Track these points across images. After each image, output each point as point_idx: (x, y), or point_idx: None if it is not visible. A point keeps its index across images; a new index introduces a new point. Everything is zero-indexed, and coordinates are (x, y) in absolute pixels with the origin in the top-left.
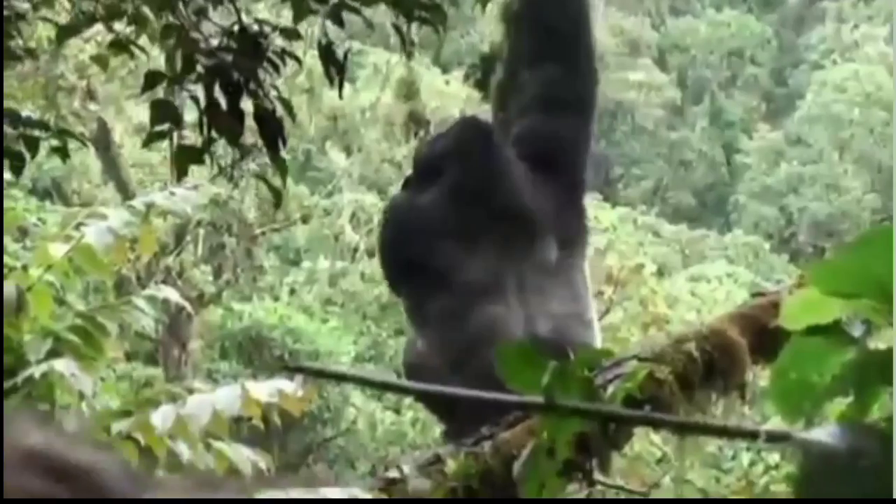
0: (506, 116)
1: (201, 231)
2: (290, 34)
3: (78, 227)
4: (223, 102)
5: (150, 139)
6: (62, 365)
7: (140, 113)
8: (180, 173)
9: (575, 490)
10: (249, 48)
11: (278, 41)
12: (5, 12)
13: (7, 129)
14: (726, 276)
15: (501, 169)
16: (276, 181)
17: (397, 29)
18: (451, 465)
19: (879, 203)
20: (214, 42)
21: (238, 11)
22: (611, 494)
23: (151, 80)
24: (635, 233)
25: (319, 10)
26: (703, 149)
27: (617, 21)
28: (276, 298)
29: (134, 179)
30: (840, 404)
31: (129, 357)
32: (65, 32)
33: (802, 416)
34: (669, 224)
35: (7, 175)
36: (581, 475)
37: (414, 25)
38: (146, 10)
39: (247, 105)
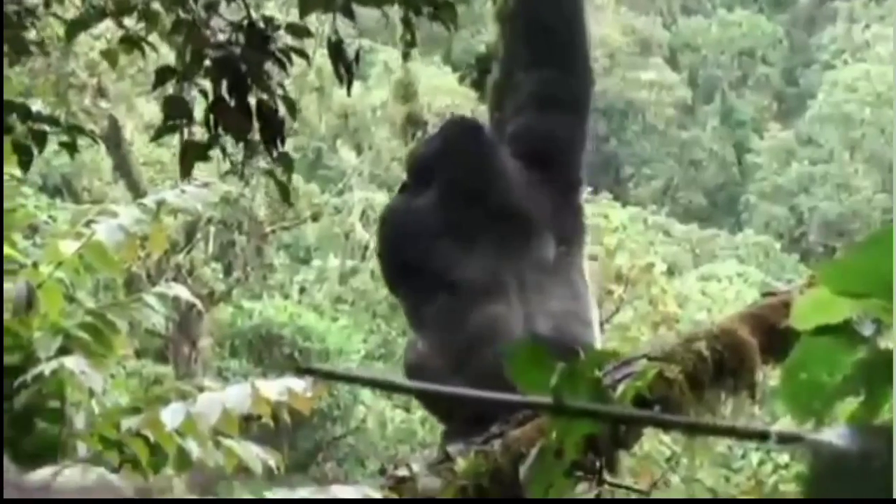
0: (501, 116)
1: (212, 229)
2: (298, 30)
3: (88, 224)
4: (231, 99)
5: (159, 134)
6: (72, 362)
7: (151, 110)
8: (186, 169)
9: (584, 490)
10: (257, 44)
11: (286, 38)
12: (15, 7)
13: (16, 124)
14: (737, 275)
15: (493, 166)
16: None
17: (407, 24)
18: (460, 464)
19: (890, 202)
20: (223, 37)
21: (247, 7)
22: (620, 494)
23: (162, 76)
24: (646, 232)
25: (328, 6)
26: (714, 148)
27: (628, 20)
28: (287, 296)
29: (144, 177)
30: (850, 404)
31: (139, 354)
32: (74, 28)
33: (813, 416)
34: (680, 223)
35: (16, 171)
36: (590, 475)
37: (424, 23)
38: (157, 5)
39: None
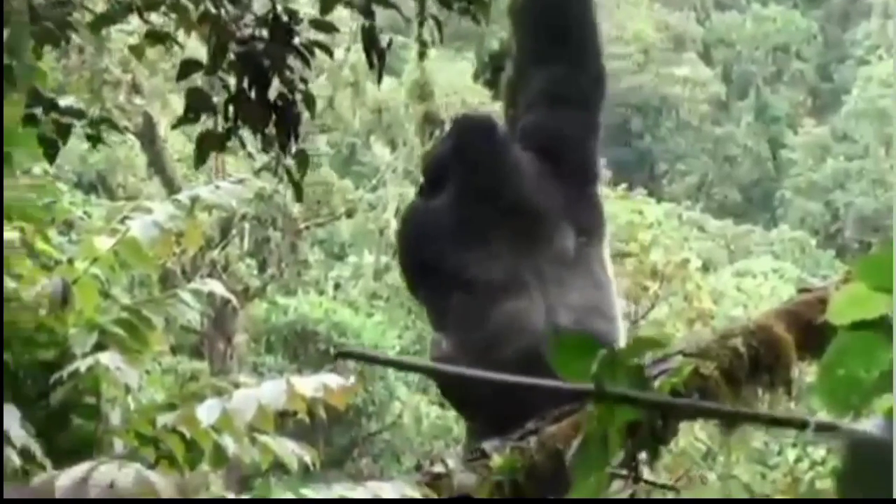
0: (515, 113)
1: (246, 225)
2: (323, 26)
3: (123, 220)
4: (251, 92)
5: (179, 123)
6: (108, 358)
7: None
8: (201, 158)
9: (619, 489)
10: (280, 38)
11: (310, 33)
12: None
13: (41, 116)
14: (772, 271)
15: (505, 162)
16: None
17: (436, 20)
18: (496, 460)
19: None
20: (248, 31)
21: (273, 1)
22: (656, 492)
23: (186, 68)
24: (680, 228)
25: (350, 3)
26: (749, 144)
27: (662, 16)
28: (321, 292)
29: (179, 173)
30: (888, 400)
31: (175, 351)
32: (100, 22)
33: (850, 412)
34: (715, 219)
35: (49, 167)
36: (627, 472)
37: (455, 18)
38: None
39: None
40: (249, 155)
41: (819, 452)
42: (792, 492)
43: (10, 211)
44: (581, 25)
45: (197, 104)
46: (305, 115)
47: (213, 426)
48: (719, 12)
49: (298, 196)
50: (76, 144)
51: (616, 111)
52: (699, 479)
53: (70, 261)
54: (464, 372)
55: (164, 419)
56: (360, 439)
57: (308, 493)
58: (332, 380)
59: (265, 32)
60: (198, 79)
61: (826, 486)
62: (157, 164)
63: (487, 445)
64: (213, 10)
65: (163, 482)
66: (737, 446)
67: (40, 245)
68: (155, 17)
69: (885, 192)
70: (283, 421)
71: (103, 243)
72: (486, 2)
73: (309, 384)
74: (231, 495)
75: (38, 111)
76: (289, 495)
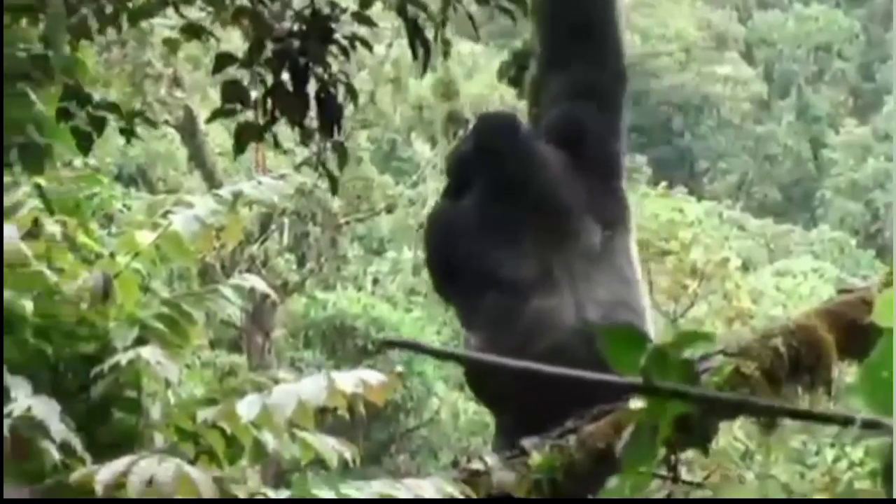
0: (539, 111)
1: (286, 220)
2: (363, 19)
3: (165, 214)
4: (289, 84)
5: (215, 116)
6: (148, 352)
7: None
8: (240, 148)
9: (657, 487)
10: (320, 31)
11: (352, 26)
12: None
13: (75, 110)
14: (811, 271)
15: (530, 158)
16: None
17: (470, 17)
18: (535, 458)
19: None
20: (286, 25)
21: None
22: (695, 493)
23: (222, 62)
24: (720, 227)
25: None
26: (790, 143)
27: (704, 14)
28: (360, 288)
29: (219, 166)
30: None
31: (213, 345)
32: (137, 15)
33: (891, 414)
34: (755, 218)
35: (88, 160)
36: (667, 471)
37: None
38: None
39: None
40: (284, 152)
41: (857, 453)
42: (830, 492)
43: (52, 204)
44: (603, 24)
45: (233, 97)
46: (346, 110)
47: (252, 422)
48: (761, 11)
49: (334, 189)
50: (116, 137)
51: (658, 109)
52: (737, 478)
53: (112, 255)
54: (506, 363)
55: (204, 414)
56: (397, 435)
57: (347, 490)
58: (372, 376)
59: (303, 27)
60: (237, 73)
61: (864, 485)
62: (198, 157)
63: (527, 443)
64: (249, 5)
65: (202, 477)
66: (775, 446)
67: (82, 238)
68: (193, 12)
69: None
70: (321, 417)
71: (145, 237)
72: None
73: (349, 380)
74: (269, 490)
75: (73, 105)
76: (327, 491)
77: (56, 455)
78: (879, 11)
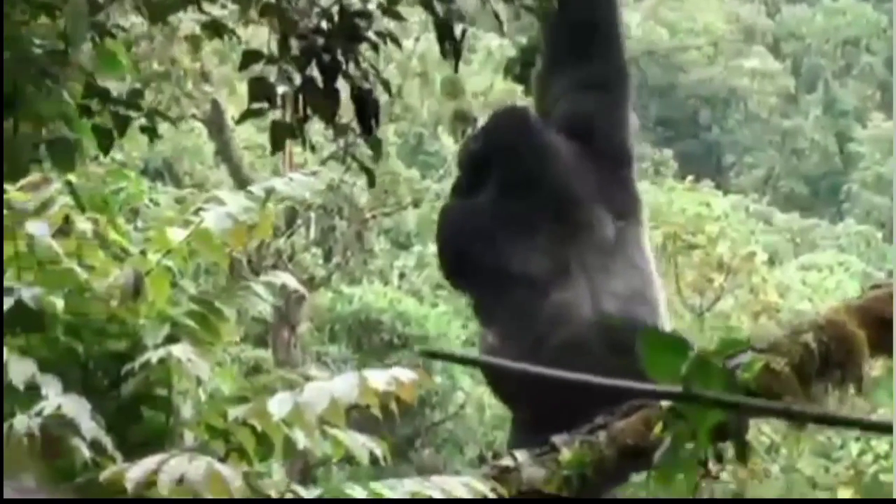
0: (545, 107)
1: (313, 214)
2: (392, 15)
3: (197, 212)
4: (319, 81)
5: (245, 116)
6: (179, 350)
7: None
8: (277, 146)
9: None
10: (348, 28)
11: (382, 22)
12: None
13: (96, 107)
14: (838, 265)
15: (545, 153)
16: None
17: (496, 15)
18: (565, 454)
19: None
20: (313, 21)
21: None
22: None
23: (248, 59)
24: (747, 221)
25: None
26: (816, 137)
27: (732, 8)
28: (386, 282)
29: (245, 161)
30: None
31: (240, 339)
32: (159, 11)
33: None
34: (781, 212)
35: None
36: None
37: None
38: None
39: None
40: (312, 148)
41: (883, 446)
42: (855, 485)
43: (82, 200)
44: (606, 22)
45: (260, 94)
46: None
47: (284, 419)
48: (790, 5)
49: (371, 182)
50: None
51: (685, 103)
52: (763, 472)
53: (143, 252)
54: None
55: (235, 412)
56: (423, 429)
57: (380, 488)
58: (404, 374)
59: (330, 24)
60: (264, 70)
61: (889, 479)
62: (225, 152)
63: (557, 439)
64: (274, 1)
65: (233, 476)
66: (801, 440)
67: (112, 235)
68: (216, 9)
69: None
70: (347, 411)
71: (176, 234)
72: None
73: (381, 378)
74: (300, 488)
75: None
76: (360, 490)
77: (87, 453)
78: None
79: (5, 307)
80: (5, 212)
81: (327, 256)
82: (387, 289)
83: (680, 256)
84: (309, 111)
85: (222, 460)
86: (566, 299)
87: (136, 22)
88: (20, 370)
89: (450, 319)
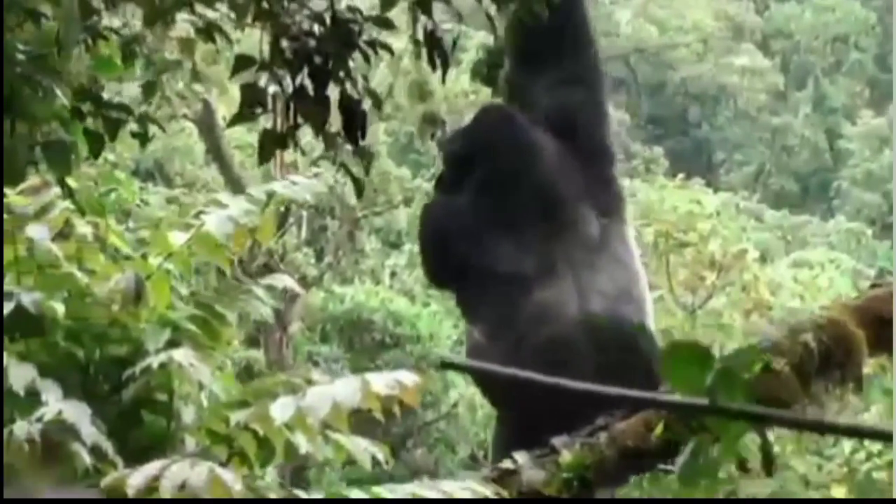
0: (521, 108)
1: (304, 214)
2: (383, 23)
3: (197, 215)
4: (310, 89)
5: (235, 121)
6: (181, 355)
7: None
8: (265, 156)
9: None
10: (340, 35)
11: (373, 31)
12: None
13: (86, 110)
14: (829, 262)
15: (531, 150)
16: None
17: (489, 17)
18: (565, 456)
19: None
20: (305, 27)
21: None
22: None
23: (240, 64)
24: (737, 218)
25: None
26: (806, 134)
27: (721, 5)
28: (378, 281)
29: (236, 161)
30: None
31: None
32: (154, 15)
33: None
34: (771, 210)
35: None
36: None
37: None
38: None
39: (333, 93)
40: (303, 152)
41: (876, 444)
42: (848, 483)
43: (81, 205)
44: (574, 20)
45: (252, 100)
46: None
47: (286, 424)
48: (778, 2)
49: (359, 193)
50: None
51: (674, 101)
52: (756, 470)
53: (144, 256)
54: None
55: (236, 417)
56: (415, 429)
57: (381, 491)
58: (407, 377)
59: (322, 29)
60: (256, 75)
61: (882, 476)
62: (216, 151)
63: (557, 441)
64: (267, 6)
65: (234, 480)
66: (793, 437)
67: (112, 239)
68: (210, 11)
69: None
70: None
71: (177, 238)
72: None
73: (383, 382)
74: (299, 492)
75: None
76: (359, 493)
77: (87, 459)
78: None
79: (5, 312)
80: (5, 216)
81: (319, 256)
82: (378, 288)
83: (671, 254)
84: (300, 119)
85: (223, 465)
86: (552, 297)
87: (131, 23)
88: (20, 375)
89: (441, 319)
